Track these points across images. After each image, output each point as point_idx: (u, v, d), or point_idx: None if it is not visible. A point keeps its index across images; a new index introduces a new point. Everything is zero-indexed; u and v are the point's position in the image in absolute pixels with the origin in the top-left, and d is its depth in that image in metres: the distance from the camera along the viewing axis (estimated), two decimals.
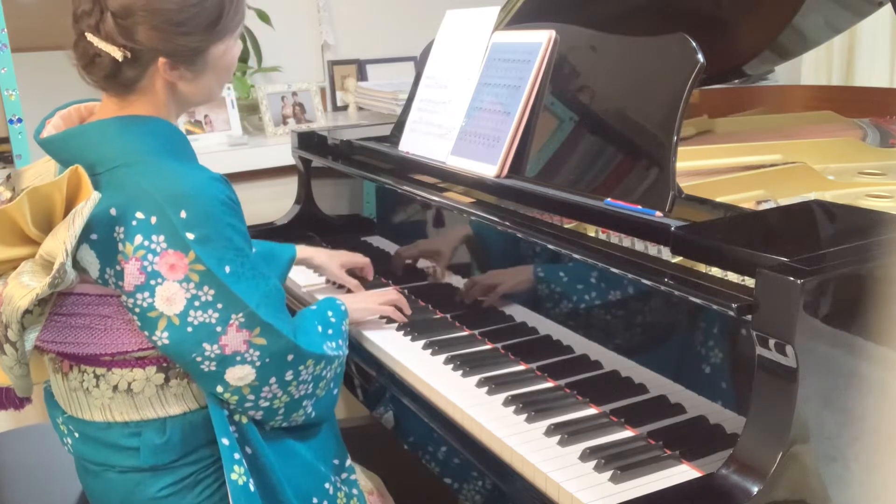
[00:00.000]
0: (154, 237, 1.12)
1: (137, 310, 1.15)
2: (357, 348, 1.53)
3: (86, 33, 1.15)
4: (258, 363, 1.18)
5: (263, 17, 2.71)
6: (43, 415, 1.75)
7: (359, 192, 1.95)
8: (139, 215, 1.12)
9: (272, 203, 2.34)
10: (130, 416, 1.23)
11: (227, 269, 1.15)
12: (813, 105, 2.15)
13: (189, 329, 1.14)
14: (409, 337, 1.49)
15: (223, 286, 1.14)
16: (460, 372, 1.33)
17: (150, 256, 1.12)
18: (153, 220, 1.12)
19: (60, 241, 1.09)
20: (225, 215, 1.15)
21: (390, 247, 1.81)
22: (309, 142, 2.12)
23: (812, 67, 3.07)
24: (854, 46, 2.97)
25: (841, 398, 0.95)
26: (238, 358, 1.17)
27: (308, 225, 2.14)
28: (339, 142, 1.99)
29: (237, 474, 1.21)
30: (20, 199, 1.11)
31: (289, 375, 1.22)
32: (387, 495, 1.53)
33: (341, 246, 2.01)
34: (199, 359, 1.16)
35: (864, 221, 1.11)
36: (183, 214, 1.12)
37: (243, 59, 2.76)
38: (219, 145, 2.50)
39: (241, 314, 1.15)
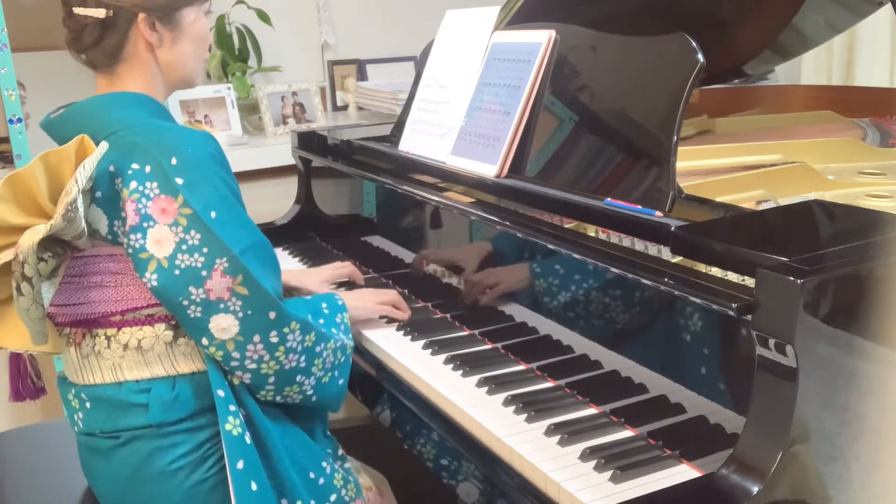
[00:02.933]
0: (148, 184, 1.20)
1: (130, 250, 1.21)
2: (357, 348, 1.53)
3: (73, 9, 1.27)
4: (240, 314, 1.22)
5: (263, 17, 2.71)
6: (44, 414, 1.75)
7: (359, 192, 1.95)
8: (134, 166, 1.20)
9: (272, 203, 2.34)
10: (140, 373, 1.27)
11: (213, 214, 1.21)
12: (813, 105, 2.15)
13: (176, 272, 1.20)
14: (409, 337, 1.49)
15: (208, 230, 1.20)
16: (460, 372, 1.33)
17: (143, 200, 1.19)
18: (147, 168, 1.20)
19: (72, 183, 1.14)
20: (213, 165, 1.24)
21: (390, 247, 1.81)
22: (309, 142, 2.12)
23: (812, 67, 3.07)
24: (854, 46, 2.97)
25: (841, 398, 0.95)
26: (221, 306, 1.21)
27: (308, 225, 2.14)
28: (339, 142, 2.00)
29: (232, 425, 1.23)
30: (33, 164, 1.15)
31: (273, 337, 1.24)
32: (388, 493, 1.53)
33: (341, 246, 2.01)
34: (185, 302, 1.21)
35: (864, 221, 1.11)
36: (174, 161, 1.20)
37: (243, 58, 2.76)
38: None
39: (224, 258, 1.20)
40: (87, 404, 1.30)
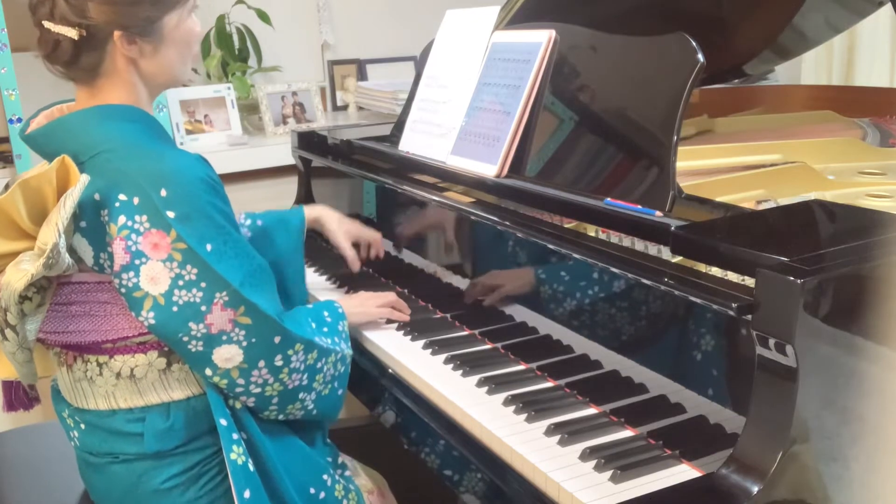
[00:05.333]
0: (137, 217, 1.14)
1: (123, 290, 1.17)
2: (357, 348, 1.53)
3: (43, 21, 1.19)
4: (244, 343, 1.19)
5: (263, 17, 2.71)
6: (43, 415, 1.75)
7: (359, 191, 1.95)
8: (122, 197, 1.15)
9: (272, 203, 2.33)
10: (134, 401, 1.25)
11: (209, 247, 1.16)
12: (813, 105, 2.15)
13: (174, 308, 1.16)
14: (409, 337, 1.49)
15: (205, 265, 1.16)
16: (460, 372, 1.33)
17: (133, 236, 1.14)
18: (135, 200, 1.14)
19: (53, 224, 1.10)
20: (205, 193, 1.18)
21: (390, 246, 1.81)
22: (309, 141, 2.12)
23: (812, 67, 3.07)
24: (854, 46, 2.97)
25: (841, 398, 0.95)
26: (224, 337, 1.18)
27: None
28: (339, 141, 2.00)
29: (236, 454, 1.22)
30: (12, 192, 1.12)
31: (278, 360, 1.23)
32: (388, 494, 1.53)
33: None
34: (185, 338, 1.17)
35: (864, 221, 1.11)
36: (163, 193, 1.14)
37: (243, 58, 2.76)
38: (219, 145, 2.50)
39: (224, 292, 1.17)
40: (82, 426, 1.29)
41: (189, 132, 2.49)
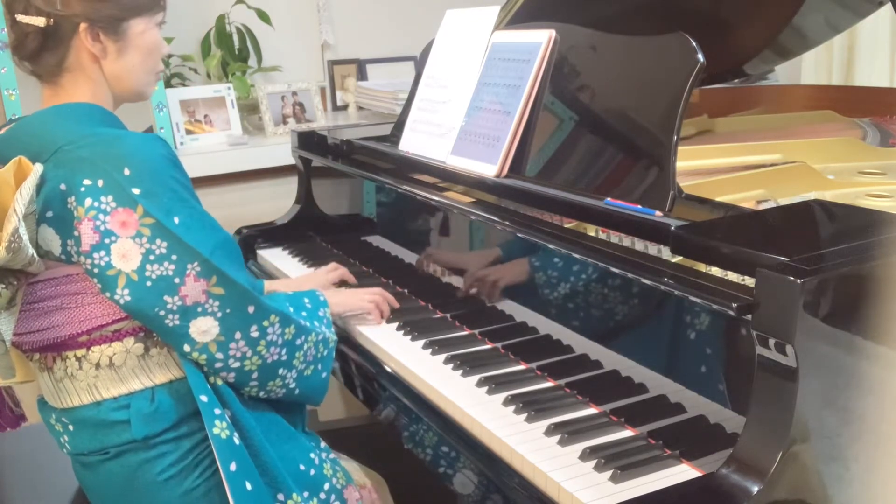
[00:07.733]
0: (103, 198, 1.16)
1: (96, 270, 1.18)
2: (357, 348, 1.53)
3: (16, 16, 1.24)
4: (219, 314, 1.21)
5: (263, 17, 2.71)
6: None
7: (359, 191, 1.95)
8: (86, 182, 1.17)
9: (272, 203, 2.34)
10: (118, 389, 1.25)
11: (176, 219, 1.19)
12: (813, 105, 2.15)
13: (148, 283, 1.18)
14: (409, 336, 1.49)
15: (175, 237, 1.18)
16: (460, 371, 1.33)
17: (101, 216, 1.16)
18: (100, 183, 1.16)
19: (12, 213, 1.11)
20: (167, 168, 1.20)
21: (390, 246, 1.81)
22: (309, 141, 2.12)
23: (812, 67, 3.07)
24: (854, 46, 2.97)
25: (841, 398, 0.95)
26: (199, 309, 1.20)
27: (308, 225, 2.14)
28: (339, 141, 2.00)
29: (219, 429, 1.22)
30: None
31: (254, 331, 1.24)
32: (386, 494, 1.53)
33: (341, 246, 2.01)
34: (161, 312, 1.19)
35: (864, 221, 1.11)
36: (126, 172, 1.17)
37: (243, 58, 2.76)
38: (219, 145, 2.50)
39: (196, 263, 1.19)
40: (70, 427, 1.29)
41: (189, 132, 2.49)
